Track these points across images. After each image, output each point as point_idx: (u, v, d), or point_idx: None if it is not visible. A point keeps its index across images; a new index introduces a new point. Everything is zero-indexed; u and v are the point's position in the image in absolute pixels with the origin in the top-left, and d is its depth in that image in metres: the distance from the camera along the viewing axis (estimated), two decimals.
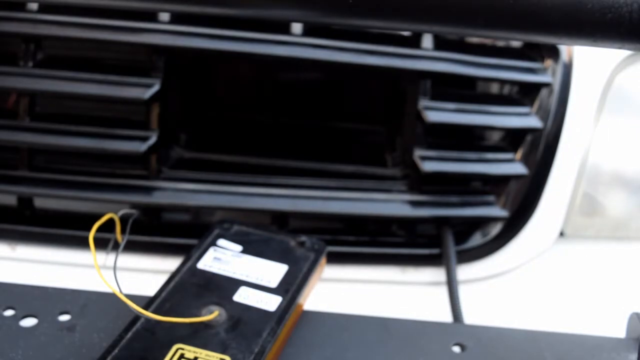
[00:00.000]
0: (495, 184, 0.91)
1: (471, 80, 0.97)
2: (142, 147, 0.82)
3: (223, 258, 0.69)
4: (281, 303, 0.64)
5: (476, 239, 0.90)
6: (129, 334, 0.57)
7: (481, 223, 0.91)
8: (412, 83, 0.89)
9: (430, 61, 0.86)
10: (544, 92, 0.90)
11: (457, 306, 0.80)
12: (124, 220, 0.66)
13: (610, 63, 0.91)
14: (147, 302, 0.61)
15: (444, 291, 0.84)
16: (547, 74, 0.90)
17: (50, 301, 0.64)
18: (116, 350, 0.55)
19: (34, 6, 0.82)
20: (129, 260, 0.83)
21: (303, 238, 0.74)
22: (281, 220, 0.87)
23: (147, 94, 0.81)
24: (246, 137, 1.05)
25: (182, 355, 0.56)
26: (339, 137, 1.08)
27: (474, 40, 0.93)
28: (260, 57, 0.83)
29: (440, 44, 0.87)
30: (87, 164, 0.86)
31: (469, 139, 0.95)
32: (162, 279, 0.65)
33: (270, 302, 0.64)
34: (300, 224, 0.89)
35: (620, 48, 0.44)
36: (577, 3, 0.41)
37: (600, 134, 0.91)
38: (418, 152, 0.87)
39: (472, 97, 0.91)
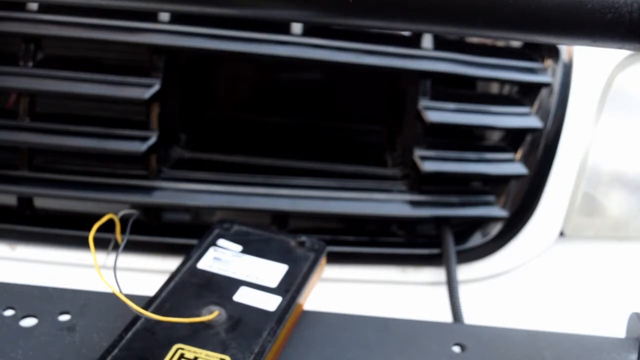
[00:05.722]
0: (495, 184, 0.91)
1: (471, 80, 0.97)
2: (142, 147, 0.82)
3: (223, 258, 0.69)
4: (281, 303, 0.64)
5: (476, 239, 0.90)
6: (129, 334, 0.57)
7: (481, 223, 0.91)
8: (412, 83, 0.89)
9: (430, 61, 0.86)
10: (544, 92, 0.90)
11: (457, 306, 0.80)
12: (124, 220, 0.66)
13: (610, 63, 0.91)
14: (147, 302, 0.61)
15: (444, 291, 0.84)
16: (547, 74, 0.90)
17: (50, 301, 0.64)
18: (116, 350, 0.55)
19: (34, 6, 0.82)
20: (129, 260, 0.83)
21: (303, 238, 0.74)
22: (281, 220, 0.87)
23: (147, 94, 0.81)
24: (246, 137, 1.05)
25: (182, 355, 0.56)
26: (339, 137, 1.08)
27: (474, 40, 0.93)
28: (261, 57, 0.83)
29: (440, 44, 0.87)
30: (87, 164, 0.86)
31: (469, 139, 0.95)
32: (162, 279, 0.65)
33: (270, 302, 0.64)
34: (300, 224, 0.89)
35: (620, 48, 0.44)
36: (577, 3, 0.41)
37: (600, 134, 0.91)
38: (418, 152, 0.87)
39: (472, 97, 0.91)
